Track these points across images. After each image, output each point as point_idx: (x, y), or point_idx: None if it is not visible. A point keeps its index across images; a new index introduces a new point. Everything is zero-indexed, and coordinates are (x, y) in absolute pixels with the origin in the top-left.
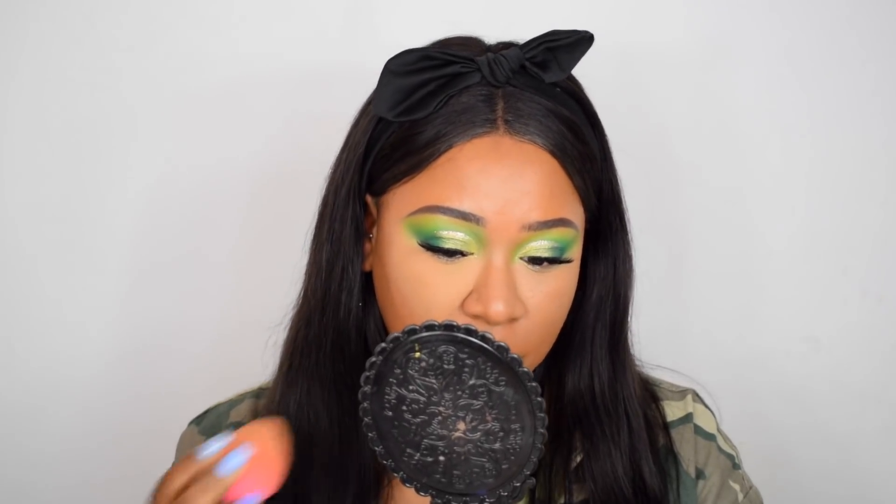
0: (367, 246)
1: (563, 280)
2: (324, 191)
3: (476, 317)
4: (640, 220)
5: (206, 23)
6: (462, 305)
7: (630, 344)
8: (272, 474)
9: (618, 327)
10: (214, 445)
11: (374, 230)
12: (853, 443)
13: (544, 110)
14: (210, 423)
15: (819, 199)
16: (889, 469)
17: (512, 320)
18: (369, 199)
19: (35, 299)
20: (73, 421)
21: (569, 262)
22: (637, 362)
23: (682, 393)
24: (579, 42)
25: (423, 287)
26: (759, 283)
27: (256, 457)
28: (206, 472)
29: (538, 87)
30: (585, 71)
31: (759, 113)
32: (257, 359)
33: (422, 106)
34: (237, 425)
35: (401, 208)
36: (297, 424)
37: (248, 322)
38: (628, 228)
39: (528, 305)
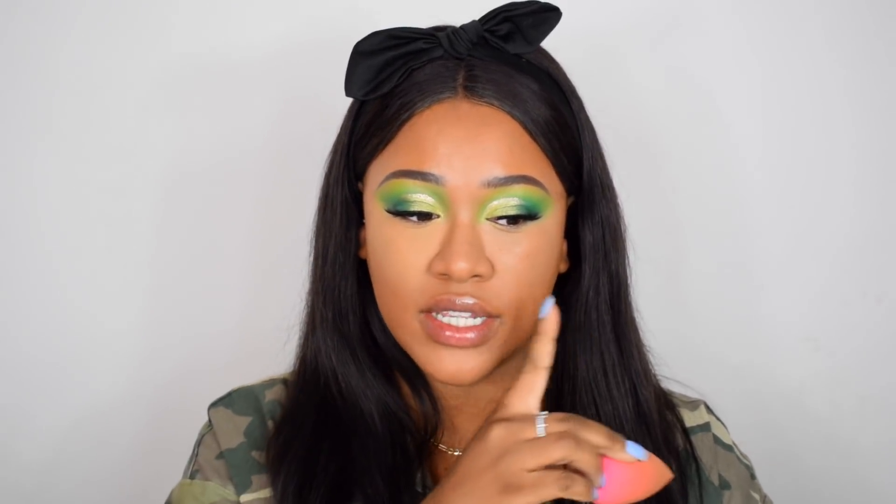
0: (363, 234)
1: (535, 240)
2: (321, 180)
3: (441, 275)
4: (638, 220)
5: (213, 8)
6: (429, 267)
7: (636, 322)
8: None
9: (616, 301)
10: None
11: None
12: (853, 443)
13: (504, 77)
14: (245, 402)
15: (819, 198)
16: (890, 469)
17: (478, 278)
18: (360, 185)
19: (51, 295)
20: (89, 416)
21: (538, 220)
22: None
23: (694, 403)
24: (541, 13)
25: (394, 252)
26: (759, 283)
27: (638, 470)
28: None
29: (501, 58)
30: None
31: (759, 113)
32: (272, 359)
33: (388, 82)
34: (275, 403)
35: (374, 182)
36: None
37: (265, 314)
38: (616, 200)
39: (497, 265)
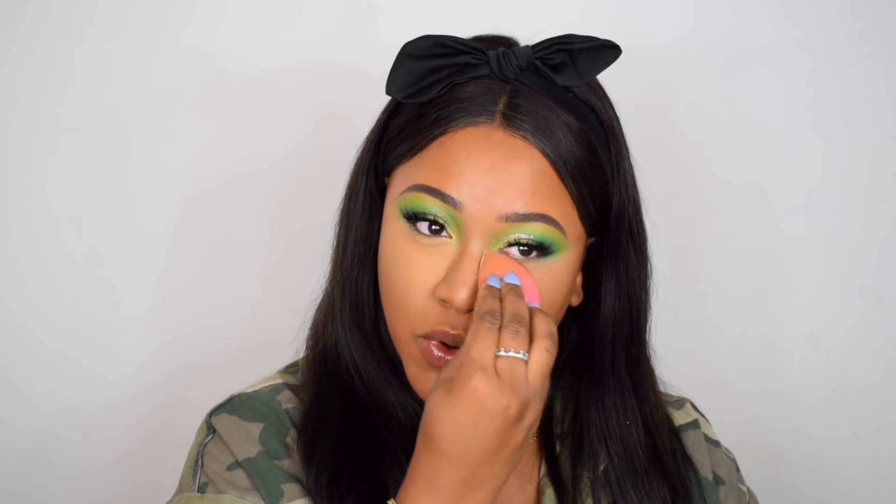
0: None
1: (542, 279)
2: (350, 171)
3: (442, 301)
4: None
5: (227, 18)
6: (433, 291)
7: (651, 359)
8: None
9: (632, 343)
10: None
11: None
12: (852, 443)
13: (546, 110)
14: (250, 408)
15: (819, 199)
16: (888, 468)
17: None
18: (386, 181)
19: (67, 290)
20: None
21: (548, 258)
22: None
23: (679, 402)
24: (599, 50)
25: (404, 264)
26: (759, 283)
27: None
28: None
29: (548, 89)
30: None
31: (760, 115)
32: (285, 351)
33: (429, 90)
34: (295, 410)
35: (397, 188)
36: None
37: (276, 308)
38: (644, 249)
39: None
